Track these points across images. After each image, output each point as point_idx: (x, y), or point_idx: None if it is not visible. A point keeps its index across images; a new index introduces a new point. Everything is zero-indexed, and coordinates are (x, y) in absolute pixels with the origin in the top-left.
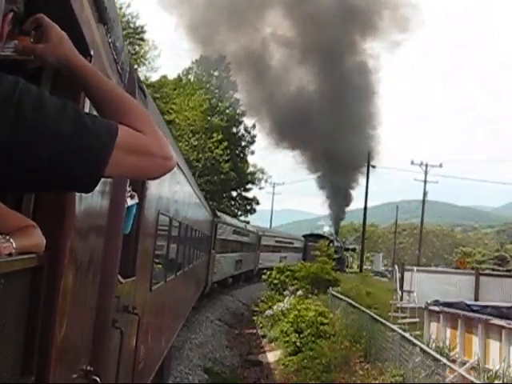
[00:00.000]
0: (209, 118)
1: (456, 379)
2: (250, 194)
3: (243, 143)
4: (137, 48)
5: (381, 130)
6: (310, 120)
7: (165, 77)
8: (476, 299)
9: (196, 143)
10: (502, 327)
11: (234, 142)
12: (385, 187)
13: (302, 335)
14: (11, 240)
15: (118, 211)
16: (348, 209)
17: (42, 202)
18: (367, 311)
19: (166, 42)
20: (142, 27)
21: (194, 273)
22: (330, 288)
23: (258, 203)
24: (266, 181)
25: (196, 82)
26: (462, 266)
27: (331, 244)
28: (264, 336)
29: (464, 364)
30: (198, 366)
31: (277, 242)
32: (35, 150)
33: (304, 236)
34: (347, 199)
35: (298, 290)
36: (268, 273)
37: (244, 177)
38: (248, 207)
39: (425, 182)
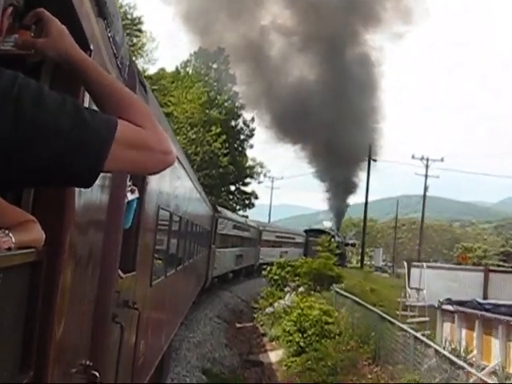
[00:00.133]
0: (207, 110)
1: None
2: (248, 189)
3: (242, 137)
4: (134, 40)
5: (383, 124)
6: (310, 112)
7: (163, 69)
8: (485, 297)
9: (194, 136)
10: None
11: (232, 135)
12: (385, 182)
13: (305, 335)
14: (10, 234)
15: (118, 206)
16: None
17: (42, 197)
18: (375, 310)
19: (163, 32)
20: (140, 18)
21: (194, 268)
22: (334, 285)
23: (256, 197)
24: (264, 175)
25: (194, 74)
26: (463, 261)
27: (333, 239)
28: (264, 334)
29: (482, 369)
30: (196, 367)
31: (278, 236)
32: (35, 149)
33: (305, 231)
34: (349, 190)
35: (299, 286)
36: (268, 268)
37: (243, 171)
38: (246, 201)
39: (426, 176)
